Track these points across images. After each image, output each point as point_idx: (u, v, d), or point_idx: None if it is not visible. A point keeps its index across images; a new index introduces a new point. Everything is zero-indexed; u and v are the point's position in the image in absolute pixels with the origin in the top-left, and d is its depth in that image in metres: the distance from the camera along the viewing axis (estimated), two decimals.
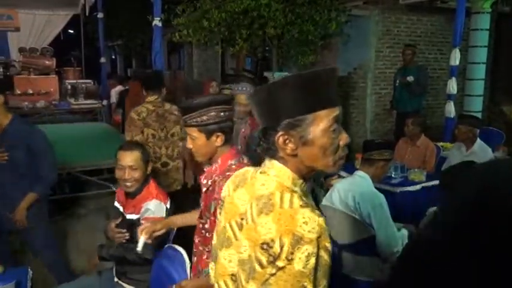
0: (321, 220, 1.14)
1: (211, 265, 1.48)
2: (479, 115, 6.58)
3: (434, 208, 2.96)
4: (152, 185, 2.65)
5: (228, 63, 12.07)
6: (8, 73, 9.92)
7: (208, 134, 1.95)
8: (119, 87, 10.13)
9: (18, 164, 3.04)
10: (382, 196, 2.87)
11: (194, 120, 1.93)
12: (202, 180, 2.03)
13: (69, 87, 9.95)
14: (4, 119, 3.00)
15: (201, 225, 2.06)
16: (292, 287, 1.11)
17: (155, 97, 3.85)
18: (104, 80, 10.05)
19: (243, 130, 3.75)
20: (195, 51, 12.39)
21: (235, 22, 6.42)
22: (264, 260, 1.14)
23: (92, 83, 10.19)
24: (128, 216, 2.62)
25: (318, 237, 1.12)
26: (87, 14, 9.77)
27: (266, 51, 8.52)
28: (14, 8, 9.81)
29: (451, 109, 6.04)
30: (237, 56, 10.44)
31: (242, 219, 1.27)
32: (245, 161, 1.99)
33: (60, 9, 10.77)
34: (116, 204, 2.79)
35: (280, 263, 1.11)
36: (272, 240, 1.13)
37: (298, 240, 1.10)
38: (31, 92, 9.29)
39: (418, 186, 4.22)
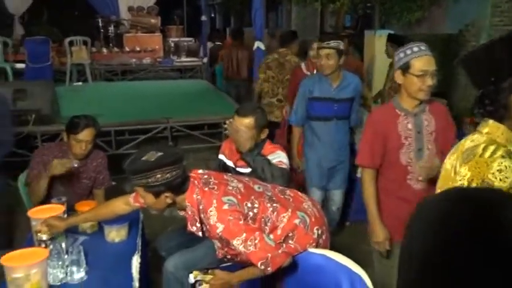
0: None
1: None
2: None
3: None
4: (269, 145, 2.70)
5: (328, 20, 11.73)
6: (118, 31, 10.57)
7: (156, 194, 1.98)
8: (209, 44, 10.06)
9: None
10: None
11: (139, 181, 1.95)
12: (190, 228, 2.06)
13: (172, 45, 10.39)
14: None
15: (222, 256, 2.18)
16: None
17: (284, 49, 4.85)
18: (204, 38, 10.31)
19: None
20: (293, 8, 12.18)
21: None
22: None
23: (193, 41, 10.52)
24: (240, 170, 2.70)
25: (510, 189, 1.10)
26: None
27: (367, 7, 8.13)
28: None
29: None
30: (337, 13, 10.09)
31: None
32: (201, 182, 2.03)
33: None
34: (221, 156, 2.89)
35: None
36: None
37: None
38: (138, 49, 9.86)
39: None
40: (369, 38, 6.29)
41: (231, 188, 2.05)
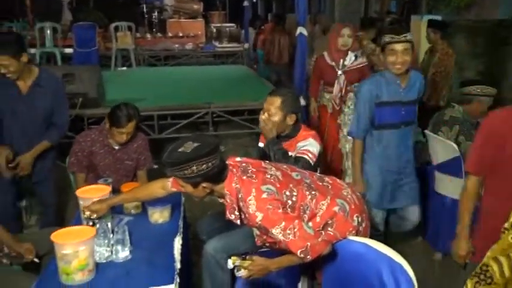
0: None
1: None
2: None
3: None
4: (304, 131, 2.71)
5: (372, 6, 11.44)
6: (161, 17, 10.72)
7: (194, 185, 1.99)
8: (250, 29, 10.06)
9: (46, 113, 3.10)
10: None
11: (177, 173, 1.96)
12: (229, 216, 2.06)
13: (214, 30, 10.44)
14: (32, 75, 3.03)
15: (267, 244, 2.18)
16: None
17: (362, 33, 5.01)
18: (246, 24, 10.29)
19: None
20: None
21: None
22: None
23: (235, 26, 10.53)
24: None
25: None
26: None
27: None
28: None
29: None
30: None
31: None
32: (240, 170, 2.03)
33: None
34: (260, 144, 2.91)
35: None
36: None
37: None
38: (181, 34, 9.97)
39: None
40: (415, 24, 6.11)
41: (269, 176, 2.05)
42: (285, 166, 2.24)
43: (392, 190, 2.97)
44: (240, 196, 2.00)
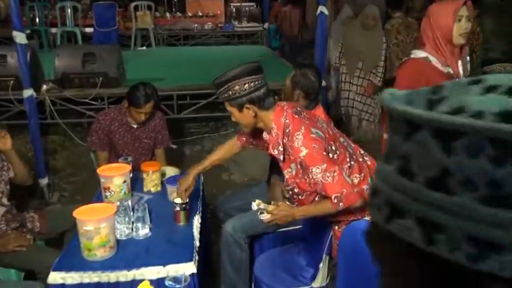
0: None
1: None
2: None
3: None
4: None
5: None
6: None
7: (239, 107, 2.00)
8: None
9: None
10: None
11: (222, 96, 2.01)
12: (272, 151, 2.04)
13: (234, 10, 10.33)
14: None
15: (290, 193, 2.14)
16: None
17: (399, 13, 4.99)
18: (266, 3, 10.18)
19: None
20: None
21: None
22: None
23: (255, 5, 10.40)
24: None
25: None
26: None
27: None
28: None
29: None
30: None
31: None
32: (292, 110, 2.02)
33: None
34: None
35: None
36: None
37: None
38: (200, 14, 9.90)
39: None
40: None
41: (320, 125, 2.07)
42: (336, 130, 2.25)
43: None
44: (287, 131, 2.00)
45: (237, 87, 1.97)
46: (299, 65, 2.99)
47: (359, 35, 4.74)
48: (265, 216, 2.03)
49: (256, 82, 1.99)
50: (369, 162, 2.22)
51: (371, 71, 4.79)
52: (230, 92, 1.98)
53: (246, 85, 1.97)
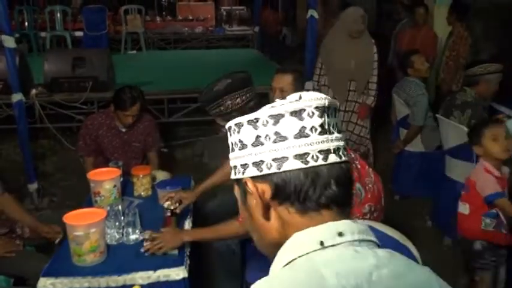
0: None
1: None
2: None
3: None
4: None
5: None
6: (171, 0, 10.64)
7: None
8: None
9: None
10: None
11: (212, 111, 1.97)
12: None
13: (224, 13, 10.34)
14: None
15: None
16: None
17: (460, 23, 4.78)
18: (256, 7, 10.20)
19: None
20: None
21: None
22: None
23: (245, 9, 10.42)
24: None
25: None
26: None
27: None
28: None
29: None
30: None
31: None
32: None
33: None
34: None
35: None
36: None
37: None
38: (191, 18, 9.90)
39: None
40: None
41: None
42: None
43: None
44: None
45: (229, 102, 1.94)
46: (288, 66, 2.94)
47: (345, 46, 3.73)
48: (146, 245, 2.01)
49: (248, 95, 1.97)
50: (359, 167, 2.18)
51: (362, 92, 3.82)
52: (222, 108, 1.95)
53: (238, 99, 1.94)
